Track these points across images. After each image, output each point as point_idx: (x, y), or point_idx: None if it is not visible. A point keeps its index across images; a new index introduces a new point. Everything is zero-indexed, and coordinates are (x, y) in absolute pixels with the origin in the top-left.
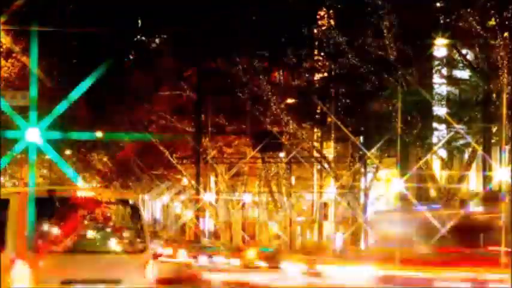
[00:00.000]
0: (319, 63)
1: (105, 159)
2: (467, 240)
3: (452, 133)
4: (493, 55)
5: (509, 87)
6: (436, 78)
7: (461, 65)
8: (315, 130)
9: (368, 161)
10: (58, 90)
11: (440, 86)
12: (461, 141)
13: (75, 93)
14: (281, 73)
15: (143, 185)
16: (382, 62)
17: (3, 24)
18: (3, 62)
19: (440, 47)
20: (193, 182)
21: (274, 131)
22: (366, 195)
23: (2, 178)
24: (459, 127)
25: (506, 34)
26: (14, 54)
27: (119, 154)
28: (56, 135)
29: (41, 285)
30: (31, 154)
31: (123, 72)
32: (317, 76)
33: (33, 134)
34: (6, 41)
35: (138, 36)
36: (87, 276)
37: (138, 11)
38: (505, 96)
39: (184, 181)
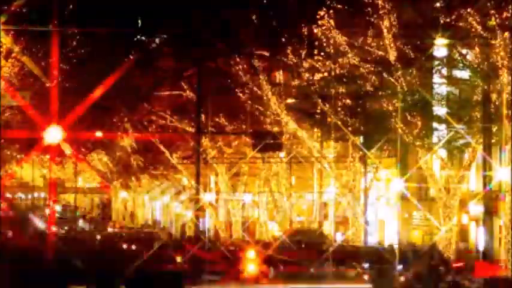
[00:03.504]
0: (319, 63)
1: (105, 159)
2: None
3: (452, 133)
4: (493, 55)
5: (509, 87)
6: (436, 78)
7: (461, 65)
8: (315, 130)
9: (368, 161)
10: (60, 90)
11: (440, 86)
12: (461, 141)
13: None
14: (281, 73)
15: (143, 185)
16: (382, 62)
17: (3, 24)
18: (3, 62)
19: (440, 47)
20: (193, 182)
21: (274, 131)
22: (366, 195)
23: None
24: (459, 127)
25: (506, 34)
26: (13, 55)
27: None
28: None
29: None
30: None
31: (123, 72)
32: (317, 76)
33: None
34: (6, 41)
35: (138, 36)
36: None
37: (138, 10)
38: (505, 96)
39: (184, 181)
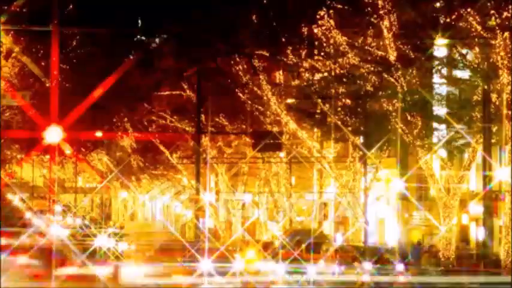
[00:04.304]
0: (319, 63)
1: (105, 159)
2: None
3: (452, 133)
4: (493, 55)
5: (509, 87)
6: (436, 78)
7: (461, 65)
8: (315, 130)
9: (368, 161)
10: (60, 90)
11: (440, 86)
12: (461, 141)
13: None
14: (281, 73)
15: (143, 185)
16: (382, 62)
17: (3, 24)
18: (3, 62)
19: (440, 47)
20: (193, 182)
21: (274, 131)
22: (366, 195)
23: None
24: (459, 127)
25: (506, 34)
26: (13, 55)
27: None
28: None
29: None
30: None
31: (123, 72)
32: (317, 76)
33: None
34: (6, 41)
35: (138, 36)
36: None
37: (138, 10)
38: (505, 96)
39: (184, 181)
